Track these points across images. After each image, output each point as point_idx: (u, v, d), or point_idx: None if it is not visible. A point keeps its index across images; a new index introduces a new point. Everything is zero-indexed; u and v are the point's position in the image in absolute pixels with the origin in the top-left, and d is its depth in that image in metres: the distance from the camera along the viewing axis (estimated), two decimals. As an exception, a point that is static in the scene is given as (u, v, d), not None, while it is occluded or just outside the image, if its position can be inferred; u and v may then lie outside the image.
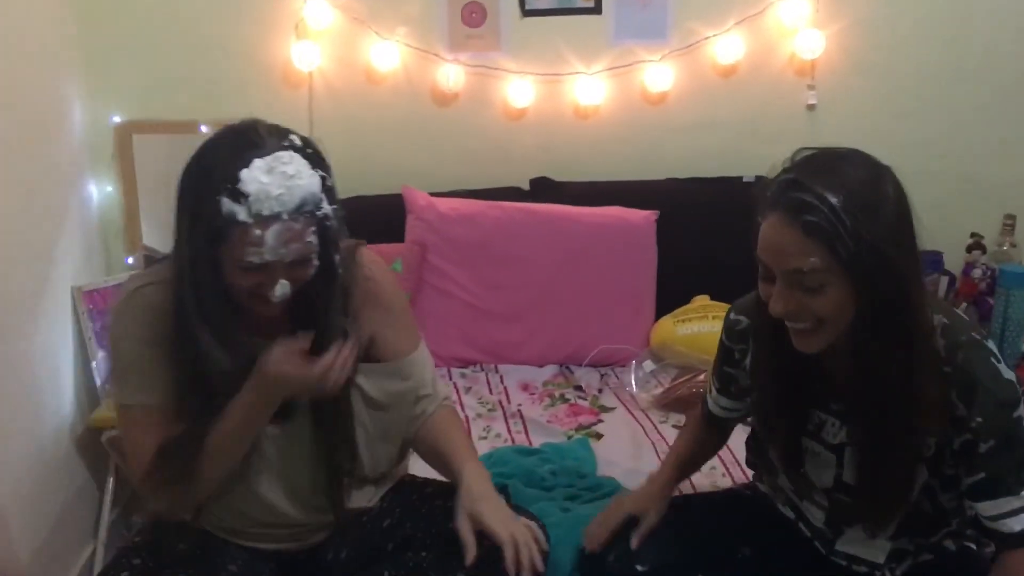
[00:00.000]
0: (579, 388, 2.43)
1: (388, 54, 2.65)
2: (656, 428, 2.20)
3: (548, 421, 2.24)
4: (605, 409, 2.32)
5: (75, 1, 2.56)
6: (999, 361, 1.30)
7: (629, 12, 2.68)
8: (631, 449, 2.10)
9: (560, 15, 2.69)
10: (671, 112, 2.76)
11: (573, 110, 2.75)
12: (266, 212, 1.23)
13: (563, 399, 2.37)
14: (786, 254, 1.23)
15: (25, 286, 2.19)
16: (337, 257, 1.38)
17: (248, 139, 1.26)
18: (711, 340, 2.45)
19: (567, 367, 2.56)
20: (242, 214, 1.23)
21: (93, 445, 2.42)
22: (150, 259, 2.66)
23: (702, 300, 2.58)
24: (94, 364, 2.42)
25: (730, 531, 1.60)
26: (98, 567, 2.37)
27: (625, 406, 2.33)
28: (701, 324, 2.51)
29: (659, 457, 2.05)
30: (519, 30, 2.69)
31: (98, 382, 2.44)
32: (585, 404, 2.34)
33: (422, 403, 1.56)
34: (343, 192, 2.76)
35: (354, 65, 2.69)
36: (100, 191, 2.69)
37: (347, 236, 1.41)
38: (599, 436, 2.17)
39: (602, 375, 2.51)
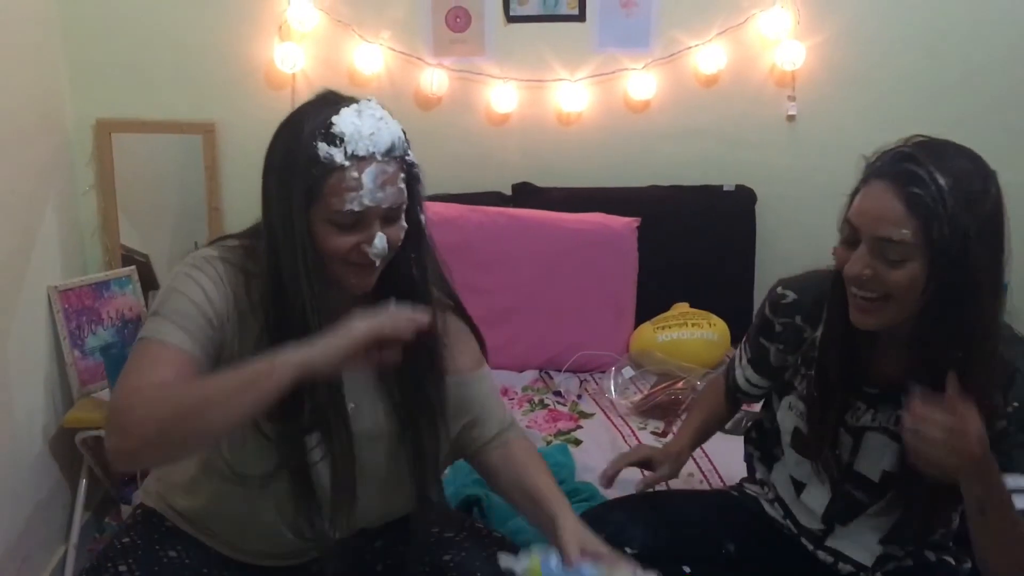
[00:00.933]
0: (558, 394, 2.43)
1: (372, 57, 2.65)
2: (635, 434, 2.20)
3: (527, 426, 2.24)
4: (584, 415, 2.32)
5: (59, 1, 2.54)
6: None
7: (613, 20, 2.70)
8: (610, 455, 2.08)
9: (544, 22, 2.69)
10: (653, 120, 2.77)
11: (556, 116, 2.76)
12: (361, 152, 1.24)
13: (542, 404, 2.38)
14: (882, 220, 1.26)
15: (1, 284, 2.17)
16: (423, 217, 1.37)
17: (332, 97, 1.30)
18: (691, 347, 2.50)
19: (547, 372, 2.56)
20: (339, 156, 1.23)
21: (66, 446, 2.40)
22: (127, 259, 2.65)
23: (682, 307, 2.60)
24: (69, 363, 2.40)
25: (715, 526, 1.62)
26: (70, 570, 2.35)
27: (604, 412, 2.33)
28: (681, 331, 2.52)
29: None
30: (503, 36, 2.70)
31: (72, 382, 2.41)
32: (564, 410, 2.35)
33: (499, 430, 1.50)
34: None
35: (337, 67, 2.68)
36: (79, 190, 2.66)
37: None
38: (578, 442, 2.17)
39: (582, 381, 2.51)
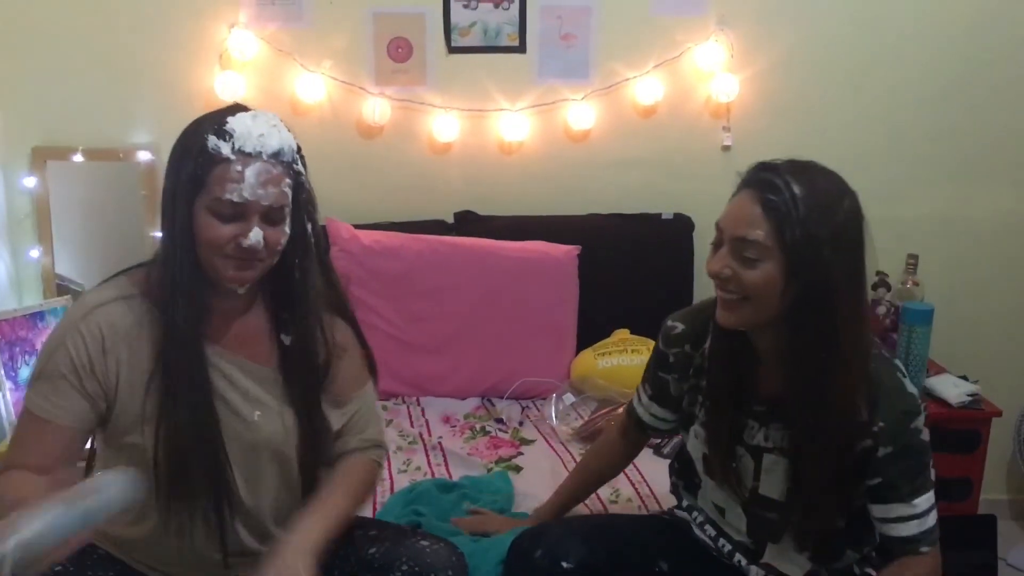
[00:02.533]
0: (500, 421, 2.45)
1: (314, 86, 2.66)
2: (575, 460, 2.21)
3: (469, 453, 2.25)
4: (525, 442, 2.34)
5: (-9, 24, 2.51)
6: (904, 376, 1.41)
7: (552, 52, 2.75)
8: (550, 481, 2.11)
9: (485, 52, 2.73)
10: (593, 149, 2.82)
11: (497, 145, 2.80)
12: (248, 149, 1.33)
13: (484, 431, 2.39)
14: (739, 222, 1.36)
15: (-72, 315, 2.12)
16: (311, 228, 1.44)
17: (237, 107, 1.41)
18: (631, 373, 2.53)
19: (488, 400, 2.58)
20: (226, 150, 1.32)
21: (-3, 480, 2.33)
22: (62, 288, 2.61)
23: (622, 334, 2.64)
24: (0, 396, 2.34)
25: (650, 545, 1.67)
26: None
27: (545, 439, 2.35)
28: (621, 357, 2.56)
29: (578, 489, 2.08)
30: (445, 66, 2.73)
31: (3, 414, 2.35)
32: (506, 437, 2.36)
33: (355, 447, 1.57)
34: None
35: (279, 96, 2.68)
36: (14, 218, 2.61)
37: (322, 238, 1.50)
38: (519, 469, 2.18)
39: (523, 408, 2.53)
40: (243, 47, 2.60)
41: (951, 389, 2.57)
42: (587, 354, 2.61)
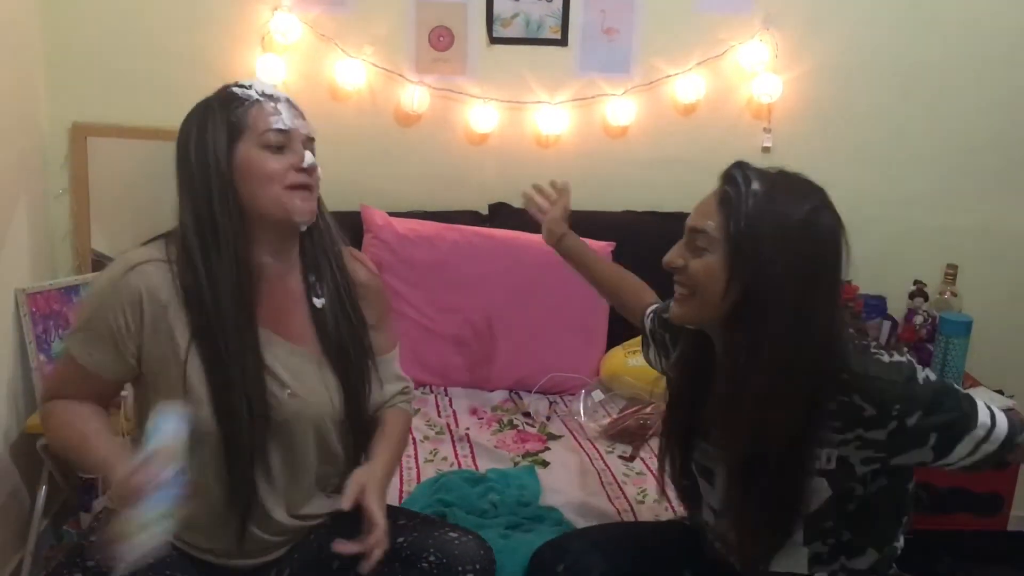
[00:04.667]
0: (527, 415, 2.44)
1: (354, 72, 2.66)
2: (602, 458, 2.21)
3: (495, 446, 2.24)
4: (552, 437, 2.32)
5: (40, 3, 2.52)
6: (882, 352, 1.36)
7: (594, 45, 2.73)
8: (577, 478, 2.10)
9: (527, 44, 2.72)
10: (631, 146, 2.80)
11: (534, 138, 2.78)
12: (270, 92, 1.46)
13: (511, 425, 2.38)
14: (697, 212, 1.37)
15: (-33, 285, 2.14)
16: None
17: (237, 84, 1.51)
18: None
19: (517, 393, 2.57)
20: (254, 94, 1.45)
21: (27, 451, 2.36)
22: (98, 263, 2.63)
23: (653, 333, 2.61)
24: (34, 367, 2.37)
25: (674, 554, 1.64)
26: (25, 577, 2.31)
27: (572, 435, 2.34)
28: (651, 356, 2.54)
29: (604, 487, 2.07)
30: (486, 56, 2.72)
31: (36, 387, 2.38)
32: (533, 431, 2.35)
33: (395, 395, 1.66)
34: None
35: (319, 81, 2.69)
36: (51, 193, 2.64)
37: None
38: (545, 464, 2.17)
39: (551, 403, 2.52)
40: (285, 30, 2.60)
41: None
42: (617, 352, 2.59)
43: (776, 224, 1.29)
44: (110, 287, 1.42)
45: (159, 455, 1.25)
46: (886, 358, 1.35)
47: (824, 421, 1.35)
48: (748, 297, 1.30)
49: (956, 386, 1.39)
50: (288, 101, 1.48)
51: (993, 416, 1.37)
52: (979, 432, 1.35)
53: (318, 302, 1.51)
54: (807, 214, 1.30)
